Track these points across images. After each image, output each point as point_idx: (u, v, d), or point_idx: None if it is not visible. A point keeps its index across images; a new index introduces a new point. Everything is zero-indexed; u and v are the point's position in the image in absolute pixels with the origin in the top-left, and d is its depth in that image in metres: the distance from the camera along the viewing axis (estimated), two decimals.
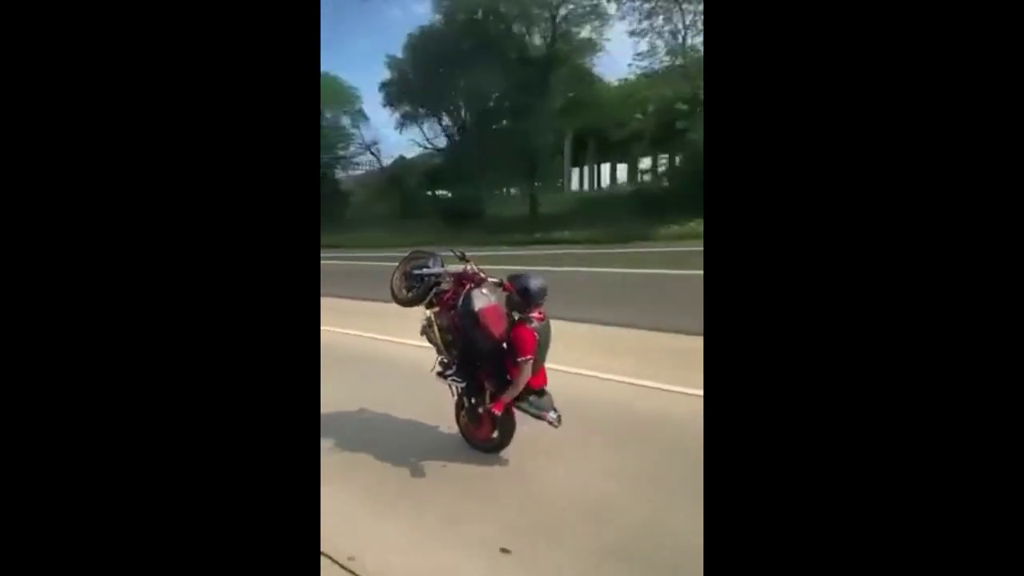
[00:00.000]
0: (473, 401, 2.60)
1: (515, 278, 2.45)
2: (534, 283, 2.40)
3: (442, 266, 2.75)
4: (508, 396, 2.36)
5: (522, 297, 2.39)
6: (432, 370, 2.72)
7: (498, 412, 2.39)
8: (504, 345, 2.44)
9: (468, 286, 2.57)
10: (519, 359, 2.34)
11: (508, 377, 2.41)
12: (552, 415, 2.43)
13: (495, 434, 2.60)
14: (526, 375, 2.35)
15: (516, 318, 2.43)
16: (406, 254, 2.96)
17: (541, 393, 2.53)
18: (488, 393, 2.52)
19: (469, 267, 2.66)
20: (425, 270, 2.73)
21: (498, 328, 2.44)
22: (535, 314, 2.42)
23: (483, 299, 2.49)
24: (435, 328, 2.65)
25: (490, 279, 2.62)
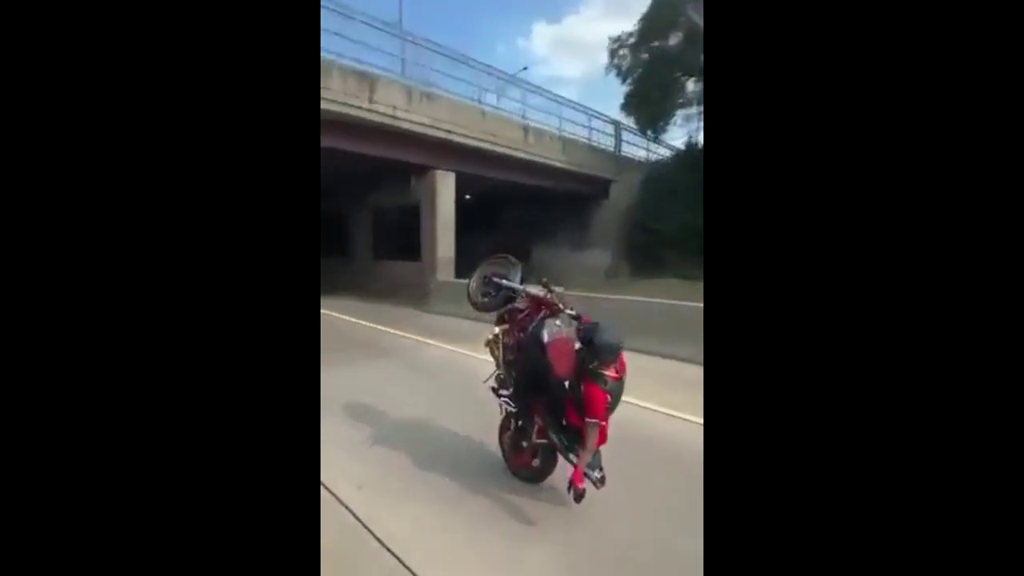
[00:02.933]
0: (520, 424, 2.48)
1: (586, 325, 2.24)
2: (602, 336, 2.10)
3: (520, 281, 2.65)
4: (581, 462, 2.14)
5: (587, 348, 2.16)
6: (485, 381, 2.65)
7: (579, 486, 2.10)
8: (566, 384, 2.24)
9: (544, 312, 2.39)
10: (588, 420, 2.12)
11: (566, 422, 2.25)
12: (596, 474, 2.22)
13: (536, 462, 2.45)
14: (594, 438, 2.14)
15: (590, 370, 2.17)
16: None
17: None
18: (536, 427, 2.34)
19: (550, 295, 2.47)
20: (505, 281, 2.66)
21: (563, 364, 2.19)
22: (611, 372, 2.15)
23: (555, 331, 2.26)
24: (499, 344, 2.56)
25: (567, 311, 2.39)
